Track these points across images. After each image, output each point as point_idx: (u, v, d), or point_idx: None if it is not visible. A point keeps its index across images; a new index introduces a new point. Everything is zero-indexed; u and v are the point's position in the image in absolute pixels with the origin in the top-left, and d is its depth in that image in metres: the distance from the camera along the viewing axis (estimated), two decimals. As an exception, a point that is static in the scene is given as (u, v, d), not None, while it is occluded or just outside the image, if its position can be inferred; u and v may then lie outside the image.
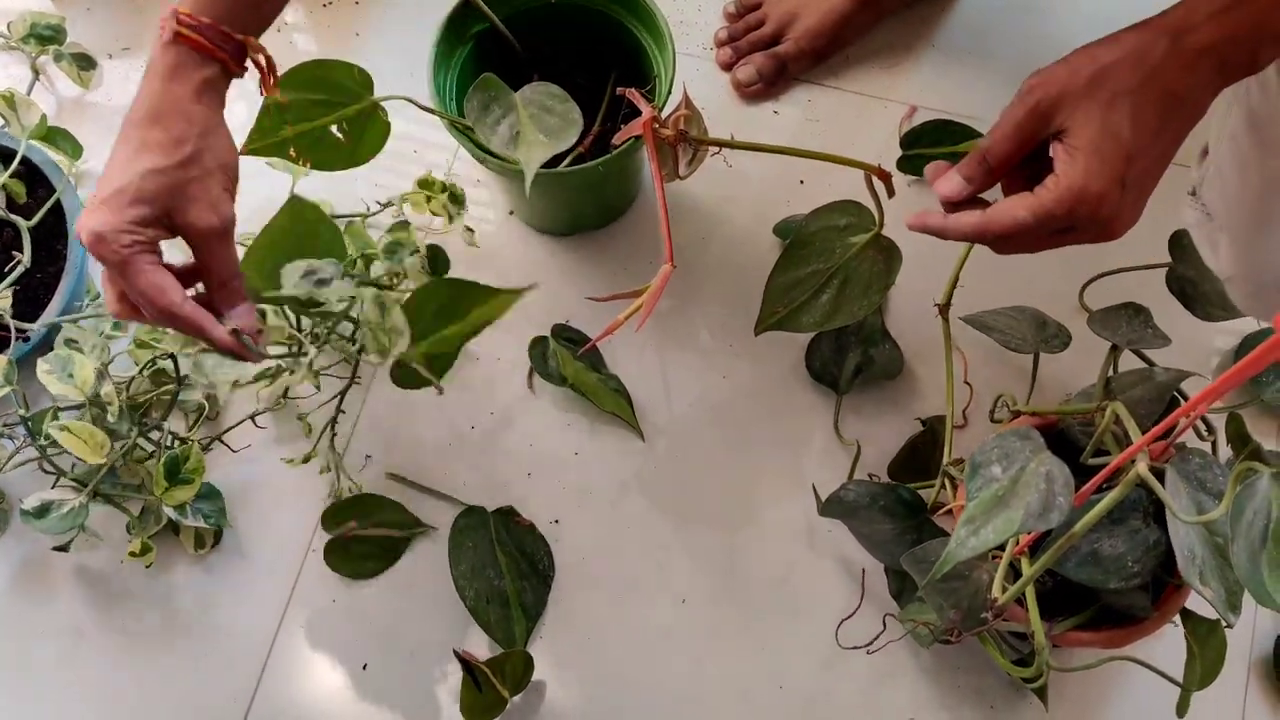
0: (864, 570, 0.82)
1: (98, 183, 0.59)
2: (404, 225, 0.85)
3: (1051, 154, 0.58)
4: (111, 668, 0.81)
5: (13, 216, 0.82)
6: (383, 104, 0.70)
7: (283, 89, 0.65)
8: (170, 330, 0.61)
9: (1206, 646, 0.67)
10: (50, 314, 0.81)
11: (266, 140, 0.66)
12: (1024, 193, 0.58)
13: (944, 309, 0.79)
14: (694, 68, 0.99)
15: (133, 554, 0.80)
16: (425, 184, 0.86)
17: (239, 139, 0.64)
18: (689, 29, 1.02)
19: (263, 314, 0.66)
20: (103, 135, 0.98)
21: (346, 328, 0.86)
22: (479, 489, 0.85)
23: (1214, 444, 0.71)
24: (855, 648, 0.78)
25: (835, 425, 0.86)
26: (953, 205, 0.63)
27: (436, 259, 0.86)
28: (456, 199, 0.85)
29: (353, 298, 0.58)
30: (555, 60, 0.87)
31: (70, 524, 0.75)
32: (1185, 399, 0.71)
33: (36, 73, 0.95)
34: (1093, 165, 0.55)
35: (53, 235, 0.86)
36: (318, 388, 0.80)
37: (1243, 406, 0.82)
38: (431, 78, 0.80)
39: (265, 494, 0.85)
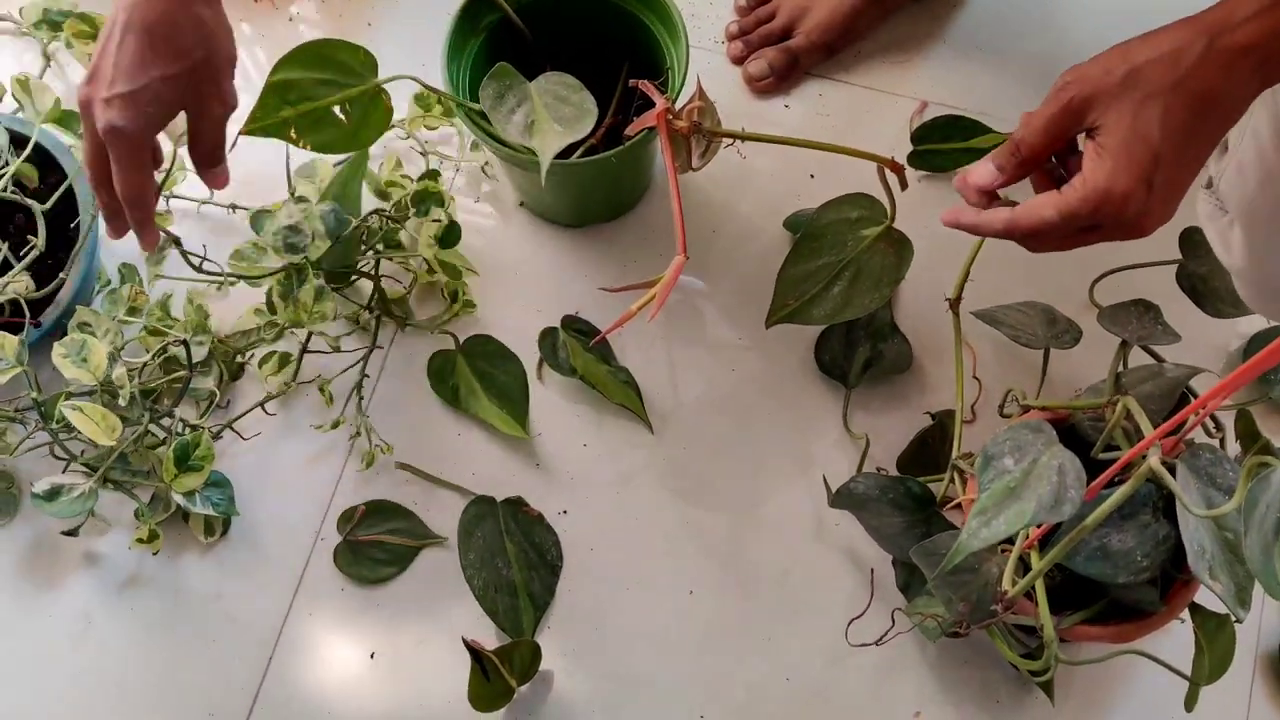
0: (871, 565, 0.82)
1: (98, 68, 0.64)
2: (434, 174, 0.86)
3: (1082, 149, 0.58)
4: (119, 653, 0.81)
5: (28, 201, 0.82)
6: (387, 89, 0.69)
7: (287, 66, 0.65)
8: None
9: (1215, 641, 0.68)
10: (64, 298, 0.81)
11: (268, 120, 0.66)
12: (1051, 191, 0.58)
13: (954, 303, 0.79)
14: (705, 61, 0.99)
15: (140, 540, 0.80)
16: (421, 99, 0.90)
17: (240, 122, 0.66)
18: (700, 22, 1.02)
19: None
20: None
21: (361, 296, 0.87)
22: (488, 479, 0.85)
23: (1222, 440, 0.71)
24: (864, 644, 0.78)
25: (844, 419, 0.86)
26: (986, 200, 0.63)
27: (450, 232, 0.86)
28: (449, 113, 0.90)
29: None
30: (567, 52, 0.87)
31: (80, 509, 0.75)
32: (1195, 395, 0.71)
33: (48, 59, 0.95)
34: (1120, 166, 0.55)
35: (65, 220, 0.86)
36: (336, 346, 0.83)
37: (1252, 404, 0.83)
38: (445, 67, 0.80)
39: (274, 482, 0.86)
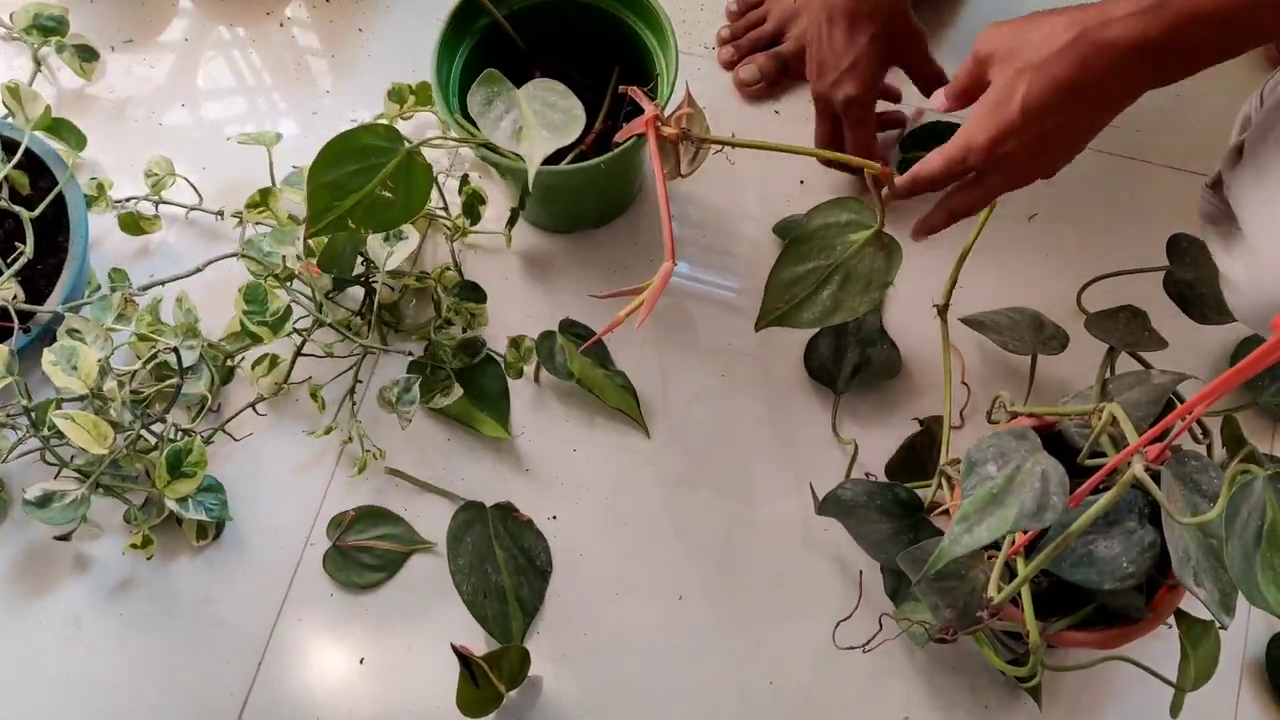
0: (860, 569, 0.82)
1: (819, 62, 0.83)
2: (465, 179, 0.89)
3: None
4: (110, 657, 0.81)
5: (15, 207, 0.83)
6: (420, 148, 0.68)
7: (319, 171, 0.64)
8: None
9: (1200, 647, 0.68)
10: (52, 304, 0.82)
11: (325, 220, 0.66)
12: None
13: (942, 309, 0.79)
14: (695, 67, 1.00)
15: (134, 546, 0.80)
16: (396, 93, 0.91)
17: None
18: (690, 28, 1.02)
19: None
20: (105, 127, 0.98)
21: (352, 302, 0.88)
22: (477, 485, 0.86)
23: (1209, 447, 0.71)
24: (851, 648, 0.78)
25: (833, 424, 0.86)
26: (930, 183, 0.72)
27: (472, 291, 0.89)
28: (422, 102, 0.91)
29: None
30: (557, 58, 0.87)
31: (72, 515, 0.75)
32: (1182, 401, 0.72)
33: (38, 64, 0.95)
34: (986, 121, 0.65)
35: (54, 226, 0.86)
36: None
37: (1239, 410, 0.83)
38: (434, 73, 0.80)
39: (265, 487, 0.86)
